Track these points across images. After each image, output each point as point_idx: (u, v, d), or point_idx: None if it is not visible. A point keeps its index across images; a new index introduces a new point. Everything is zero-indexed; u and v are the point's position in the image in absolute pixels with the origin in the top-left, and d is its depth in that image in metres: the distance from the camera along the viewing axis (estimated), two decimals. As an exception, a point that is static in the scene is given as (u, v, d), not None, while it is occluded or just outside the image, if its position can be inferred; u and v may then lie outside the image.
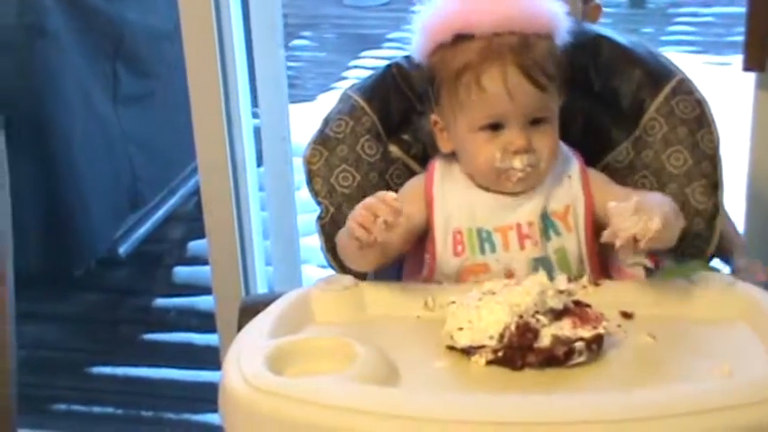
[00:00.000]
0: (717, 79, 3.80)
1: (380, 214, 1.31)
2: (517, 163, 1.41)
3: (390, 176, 1.57)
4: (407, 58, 1.57)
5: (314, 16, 6.62)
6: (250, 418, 1.15)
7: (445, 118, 1.46)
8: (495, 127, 1.41)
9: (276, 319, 1.32)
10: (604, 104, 1.56)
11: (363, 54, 5.83)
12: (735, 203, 1.96)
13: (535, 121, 1.41)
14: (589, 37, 1.56)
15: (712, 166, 1.50)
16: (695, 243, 1.50)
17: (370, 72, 1.64)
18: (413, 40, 1.47)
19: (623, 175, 1.54)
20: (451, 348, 1.24)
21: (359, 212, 1.34)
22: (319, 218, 1.55)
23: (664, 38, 5.85)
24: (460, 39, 1.41)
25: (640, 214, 1.26)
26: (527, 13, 1.40)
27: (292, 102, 2.51)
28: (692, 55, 5.34)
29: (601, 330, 1.22)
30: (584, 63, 1.55)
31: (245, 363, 1.19)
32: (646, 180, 1.53)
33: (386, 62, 1.62)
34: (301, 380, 1.15)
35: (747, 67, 1.88)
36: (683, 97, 1.52)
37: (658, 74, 1.54)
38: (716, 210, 1.50)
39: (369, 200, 1.34)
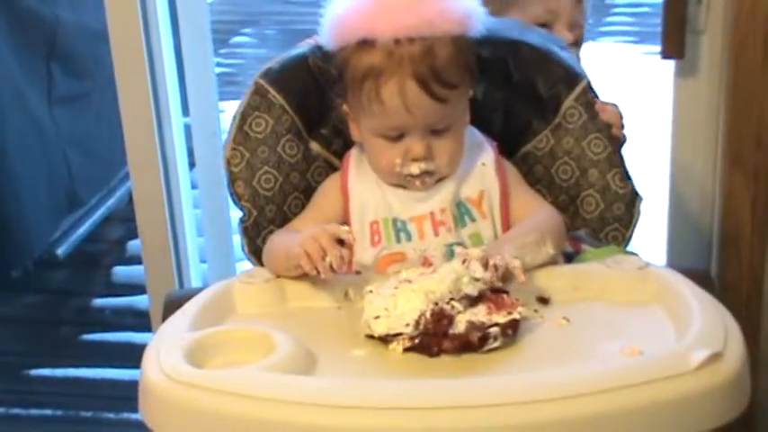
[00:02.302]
0: (654, 69, 3.84)
1: (329, 256, 1.30)
2: (415, 169, 1.42)
3: (312, 175, 1.57)
4: (324, 49, 1.58)
5: (255, 13, 6.59)
6: (170, 411, 1.15)
7: (354, 111, 1.47)
8: (396, 135, 1.42)
9: (197, 312, 1.33)
10: (523, 94, 1.58)
11: (304, 51, 5.81)
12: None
13: (436, 130, 1.42)
14: (506, 39, 1.58)
15: (620, 157, 1.55)
16: (616, 227, 1.55)
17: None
18: (322, 34, 1.46)
19: (545, 163, 1.57)
20: (370, 337, 1.26)
21: (310, 243, 1.32)
22: (242, 221, 1.55)
23: (602, 29, 5.90)
24: (365, 42, 1.39)
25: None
26: (431, 18, 1.37)
27: (233, 99, 2.49)
28: (630, 45, 5.40)
29: (516, 316, 1.23)
30: (503, 56, 1.57)
31: (165, 356, 1.19)
32: (567, 167, 1.56)
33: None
34: (219, 371, 1.16)
35: (666, 55, 1.91)
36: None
37: (573, 73, 1.57)
38: (634, 195, 1.54)
39: (321, 234, 1.32)
